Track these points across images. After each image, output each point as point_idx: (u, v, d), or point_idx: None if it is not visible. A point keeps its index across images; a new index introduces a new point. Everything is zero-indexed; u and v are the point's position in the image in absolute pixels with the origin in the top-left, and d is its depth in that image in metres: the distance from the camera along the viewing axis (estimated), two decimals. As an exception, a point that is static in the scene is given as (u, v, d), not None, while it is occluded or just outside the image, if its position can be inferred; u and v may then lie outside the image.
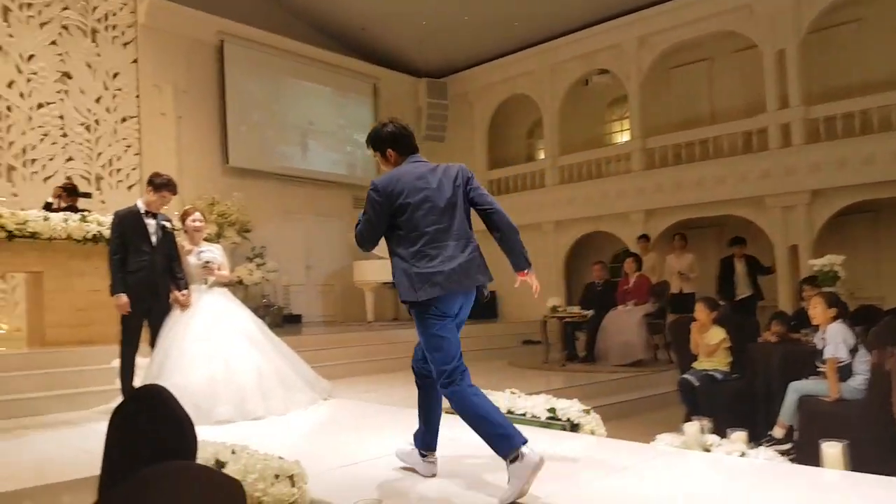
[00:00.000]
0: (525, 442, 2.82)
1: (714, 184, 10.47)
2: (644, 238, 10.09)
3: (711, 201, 10.52)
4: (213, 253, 5.37)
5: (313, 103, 12.41)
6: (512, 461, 2.80)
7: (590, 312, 8.41)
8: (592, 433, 4.21)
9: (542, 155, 13.52)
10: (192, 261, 5.28)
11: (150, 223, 5.20)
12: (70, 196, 7.43)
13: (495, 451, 2.90)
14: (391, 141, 3.37)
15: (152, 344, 5.17)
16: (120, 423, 1.30)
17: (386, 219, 3.17)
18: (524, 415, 4.44)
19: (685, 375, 5.78)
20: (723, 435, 3.78)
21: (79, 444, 4.29)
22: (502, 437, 2.87)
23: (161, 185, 5.20)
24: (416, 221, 3.14)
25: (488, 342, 9.90)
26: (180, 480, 0.81)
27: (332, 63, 12.64)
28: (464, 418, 3.03)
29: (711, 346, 5.72)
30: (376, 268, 11.12)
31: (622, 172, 11.74)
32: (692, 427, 3.85)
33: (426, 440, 3.31)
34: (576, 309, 8.62)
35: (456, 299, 3.15)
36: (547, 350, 8.57)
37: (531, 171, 13.10)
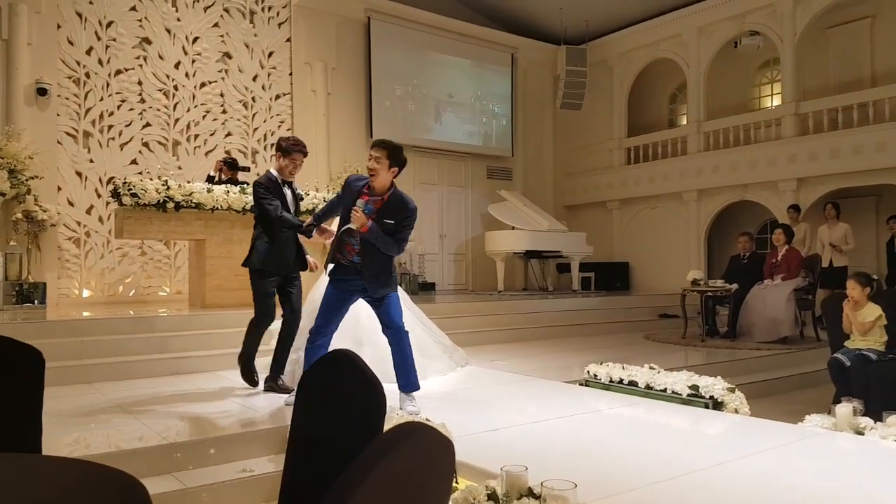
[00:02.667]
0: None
1: (873, 151, 9.68)
2: (794, 208, 9.54)
3: (869, 170, 9.74)
4: None
5: (453, 76, 12.62)
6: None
7: (734, 286, 8.08)
8: (736, 412, 4.12)
9: (684, 121, 12.98)
10: None
11: (288, 192, 4.98)
12: (230, 170, 8.02)
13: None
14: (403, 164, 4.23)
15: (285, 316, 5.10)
16: (314, 384, 1.47)
17: None
18: (664, 391, 4.41)
19: (836, 354, 5.45)
20: (876, 418, 3.59)
21: (241, 401, 4.74)
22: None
23: (289, 148, 4.85)
24: None
25: (622, 314, 9.79)
26: (420, 440, 0.95)
27: (472, 35, 12.77)
28: None
29: (866, 324, 5.35)
30: (508, 238, 11.24)
31: (772, 139, 11.06)
32: (844, 409, 3.68)
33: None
34: (718, 282, 8.30)
35: None
36: (685, 324, 8.33)
37: (673, 138, 12.63)
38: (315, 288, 5.46)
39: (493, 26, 13.26)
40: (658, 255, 12.71)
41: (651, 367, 4.79)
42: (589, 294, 11.37)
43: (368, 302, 4.36)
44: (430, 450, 0.97)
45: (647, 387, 4.57)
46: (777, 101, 11.78)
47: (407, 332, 4.35)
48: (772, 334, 7.77)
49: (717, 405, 4.19)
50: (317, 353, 4.10)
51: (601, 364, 5.07)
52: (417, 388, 4.30)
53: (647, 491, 2.71)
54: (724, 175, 11.57)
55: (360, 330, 5.11)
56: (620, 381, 4.78)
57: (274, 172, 4.90)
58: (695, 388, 4.31)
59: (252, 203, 7.25)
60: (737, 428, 3.91)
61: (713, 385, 4.29)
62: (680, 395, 4.35)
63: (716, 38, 11.89)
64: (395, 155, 4.15)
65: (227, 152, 9.68)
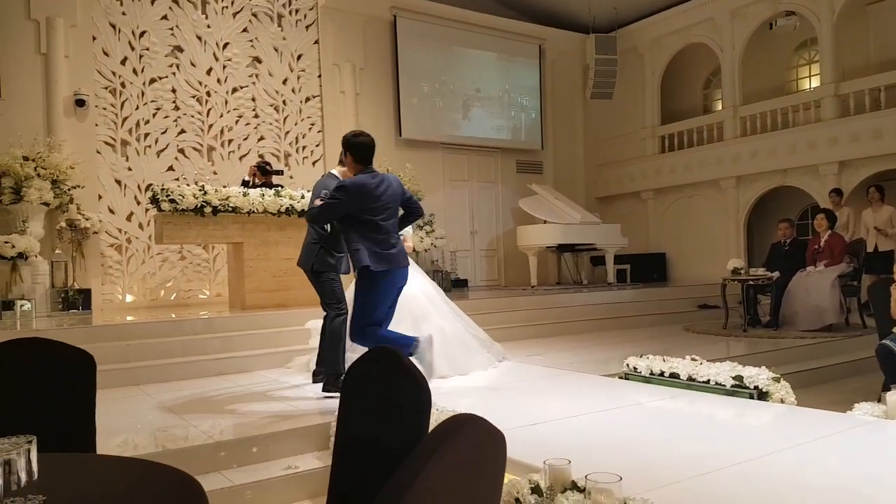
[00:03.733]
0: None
1: (919, 130, 9.40)
2: (836, 192, 9.32)
3: (916, 150, 9.46)
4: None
5: (480, 70, 12.58)
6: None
7: (775, 274, 7.92)
8: (782, 402, 4.04)
9: (719, 106, 12.76)
10: None
11: None
12: (263, 174, 8.12)
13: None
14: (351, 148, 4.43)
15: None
16: (358, 379, 1.48)
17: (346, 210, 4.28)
18: (707, 382, 4.34)
19: (885, 341, 5.28)
20: (930, 406, 3.49)
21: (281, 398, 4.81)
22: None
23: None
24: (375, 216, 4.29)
25: (659, 306, 9.65)
26: (473, 432, 0.95)
27: (498, 28, 12.71)
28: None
29: (916, 309, 5.20)
30: (540, 232, 11.16)
31: (812, 121, 10.81)
32: (895, 396, 3.58)
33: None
34: (759, 270, 8.14)
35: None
36: (726, 315, 8.20)
37: (708, 124, 12.42)
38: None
39: (520, 18, 13.18)
40: (696, 244, 12.52)
41: (693, 359, 4.72)
42: (625, 286, 11.25)
43: None
44: (482, 441, 0.98)
45: (690, 379, 4.50)
46: (816, 82, 11.51)
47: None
48: (816, 322, 7.60)
49: (762, 395, 4.11)
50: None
51: (641, 357, 5.01)
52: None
53: (692, 483, 2.67)
54: (763, 160, 11.34)
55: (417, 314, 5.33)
56: (661, 374, 4.72)
57: (339, 175, 4.86)
58: (739, 378, 4.23)
59: (286, 206, 7.44)
60: (783, 418, 3.83)
61: (757, 375, 4.20)
62: (723, 386, 4.28)
63: (750, 21, 11.65)
64: (343, 147, 4.52)
65: (261, 156, 9.79)
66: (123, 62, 9.33)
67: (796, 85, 12.22)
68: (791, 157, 10.93)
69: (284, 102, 10.54)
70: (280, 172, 8.62)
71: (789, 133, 10.99)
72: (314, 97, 10.82)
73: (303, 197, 7.48)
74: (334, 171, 4.96)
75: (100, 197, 9.08)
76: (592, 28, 13.06)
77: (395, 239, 4.42)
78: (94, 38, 9.12)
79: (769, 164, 11.26)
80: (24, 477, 1.25)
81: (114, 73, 9.25)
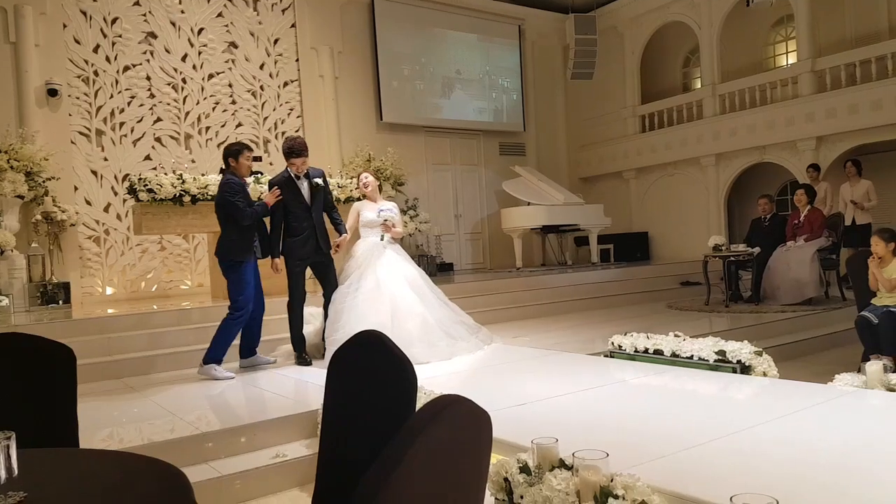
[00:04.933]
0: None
1: (893, 105, 9.43)
2: (814, 167, 9.40)
3: (889, 124, 9.51)
4: (392, 212, 5.70)
5: (460, 52, 12.49)
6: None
7: (756, 250, 7.99)
8: (765, 375, 4.09)
9: (698, 84, 12.79)
10: (370, 217, 5.64)
11: (303, 185, 5.41)
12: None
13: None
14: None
15: (325, 294, 5.58)
16: (342, 364, 1.47)
17: None
18: (691, 357, 4.38)
19: (863, 312, 5.38)
20: (907, 374, 3.56)
21: (269, 388, 4.79)
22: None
23: (286, 153, 5.37)
24: None
25: (643, 284, 9.73)
26: (457, 412, 0.95)
27: (477, 8, 12.61)
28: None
29: (893, 280, 5.26)
30: (524, 214, 11.17)
31: (789, 98, 10.86)
32: (874, 366, 3.65)
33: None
34: (740, 246, 8.21)
35: None
36: (708, 291, 8.28)
37: (688, 103, 12.44)
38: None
39: (499, -1, 13.08)
40: (677, 222, 12.60)
41: (676, 335, 4.76)
42: (609, 266, 11.32)
43: None
44: (467, 421, 0.98)
45: (673, 355, 4.54)
46: (792, 58, 11.56)
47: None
48: (797, 296, 7.70)
49: (744, 369, 4.16)
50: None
51: (625, 334, 5.05)
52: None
53: (677, 458, 2.70)
54: (742, 137, 11.39)
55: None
56: (645, 351, 4.76)
57: (290, 169, 5.44)
58: (721, 353, 4.28)
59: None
60: (766, 391, 3.88)
61: (740, 349, 4.25)
62: (707, 361, 4.32)
63: (727, -2, 11.66)
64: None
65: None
66: (96, 50, 9.15)
67: (773, 61, 12.27)
68: (769, 134, 10.99)
69: (262, 88, 10.41)
70: (259, 159, 8.51)
71: (767, 110, 11.05)
72: (292, 82, 10.69)
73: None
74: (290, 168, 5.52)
75: (76, 188, 8.94)
76: (571, 8, 12.99)
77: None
78: (64, 26, 8.93)
79: (748, 141, 11.32)
80: (3, 474, 1.23)
81: (86, 62, 9.07)
